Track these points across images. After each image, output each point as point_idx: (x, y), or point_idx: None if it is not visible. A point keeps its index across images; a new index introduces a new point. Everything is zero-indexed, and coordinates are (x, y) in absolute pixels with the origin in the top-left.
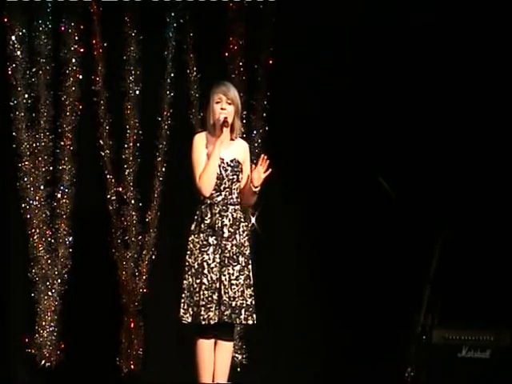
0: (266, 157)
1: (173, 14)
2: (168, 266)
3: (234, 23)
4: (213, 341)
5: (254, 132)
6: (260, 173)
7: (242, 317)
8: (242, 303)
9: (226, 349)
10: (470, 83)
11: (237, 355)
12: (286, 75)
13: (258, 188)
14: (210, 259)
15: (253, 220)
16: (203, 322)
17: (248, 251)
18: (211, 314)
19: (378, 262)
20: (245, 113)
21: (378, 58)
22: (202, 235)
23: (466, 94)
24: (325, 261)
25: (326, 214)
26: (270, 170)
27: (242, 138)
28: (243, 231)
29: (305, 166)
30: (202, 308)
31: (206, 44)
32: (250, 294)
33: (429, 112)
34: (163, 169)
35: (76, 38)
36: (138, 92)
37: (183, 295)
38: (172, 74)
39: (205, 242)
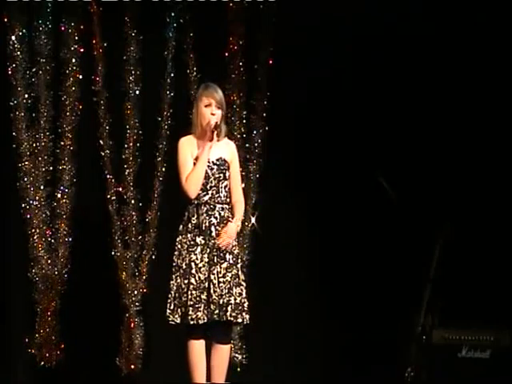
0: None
1: (173, 14)
2: (168, 266)
3: (234, 23)
4: (203, 341)
5: (254, 132)
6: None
7: (228, 314)
8: (229, 300)
9: (223, 352)
10: (470, 82)
11: (237, 355)
12: (286, 75)
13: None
14: (197, 259)
15: (253, 220)
16: (191, 322)
17: (236, 250)
18: (199, 313)
19: (378, 261)
20: (245, 113)
21: (378, 58)
22: (189, 235)
23: (466, 93)
24: (325, 261)
25: (326, 214)
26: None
27: (240, 138)
28: None
29: (305, 166)
30: (190, 308)
31: (206, 44)
32: (239, 293)
33: (429, 112)
34: (163, 169)
35: (76, 38)
36: (137, 92)
37: (170, 296)
38: (172, 74)
39: (192, 242)
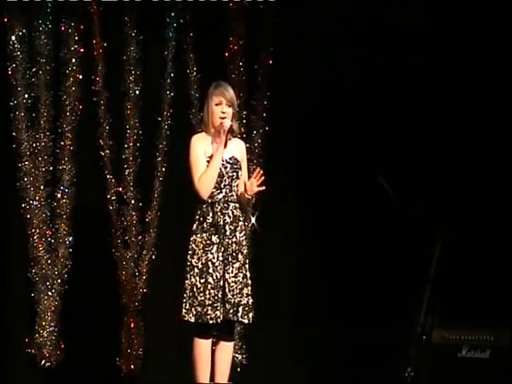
0: (261, 171)
1: (173, 14)
2: (168, 266)
3: (234, 23)
4: (210, 340)
5: (254, 132)
6: (253, 185)
7: (240, 315)
8: (241, 301)
9: (227, 349)
10: (471, 83)
11: (237, 355)
12: (286, 75)
13: (251, 197)
14: (214, 258)
15: (253, 220)
16: (211, 322)
17: (246, 250)
18: (218, 313)
19: (378, 262)
20: (245, 113)
21: (378, 58)
22: (204, 234)
23: (467, 94)
24: (325, 261)
25: (326, 214)
26: (264, 187)
27: (241, 138)
28: (241, 230)
29: (305, 166)
30: (209, 308)
31: (206, 44)
32: (247, 293)
33: (429, 112)
34: (163, 169)
35: (76, 38)
36: (137, 92)
37: (185, 295)
38: (172, 74)
39: (208, 242)
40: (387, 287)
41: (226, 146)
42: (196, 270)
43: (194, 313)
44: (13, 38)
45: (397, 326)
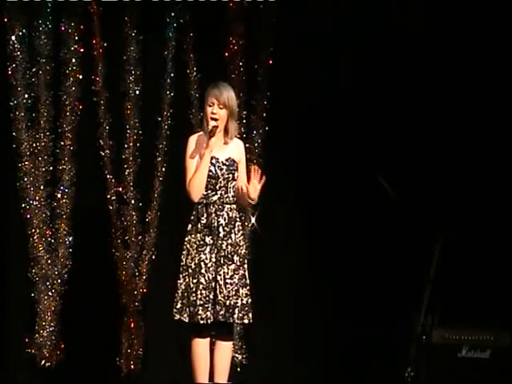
0: (257, 168)
1: (173, 14)
2: (168, 266)
3: (234, 23)
4: (208, 340)
5: (254, 132)
6: (255, 185)
7: (236, 316)
8: (237, 302)
9: (226, 349)
10: (471, 83)
11: (237, 355)
12: (286, 75)
13: (256, 200)
14: (206, 259)
15: (253, 220)
16: (202, 322)
17: (243, 251)
18: (209, 313)
19: (378, 261)
20: (245, 113)
21: (378, 58)
22: (198, 235)
23: (467, 94)
24: (325, 261)
25: (326, 214)
26: (264, 179)
27: (240, 138)
28: (238, 231)
29: (305, 166)
30: (200, 308)
31: (206, 44)
32: (246, 294)
33: (429, 112)
34: (163, 169)
35: (76, 38)
36: (137, 92)
37: (176, 295)
38: (172, 74)
39: (201, 242)
40: (387, 287)
41: (208, 146)
42: (189, 271)
43: (188, 313)
44: (13, 38)
45: (397, 325)
